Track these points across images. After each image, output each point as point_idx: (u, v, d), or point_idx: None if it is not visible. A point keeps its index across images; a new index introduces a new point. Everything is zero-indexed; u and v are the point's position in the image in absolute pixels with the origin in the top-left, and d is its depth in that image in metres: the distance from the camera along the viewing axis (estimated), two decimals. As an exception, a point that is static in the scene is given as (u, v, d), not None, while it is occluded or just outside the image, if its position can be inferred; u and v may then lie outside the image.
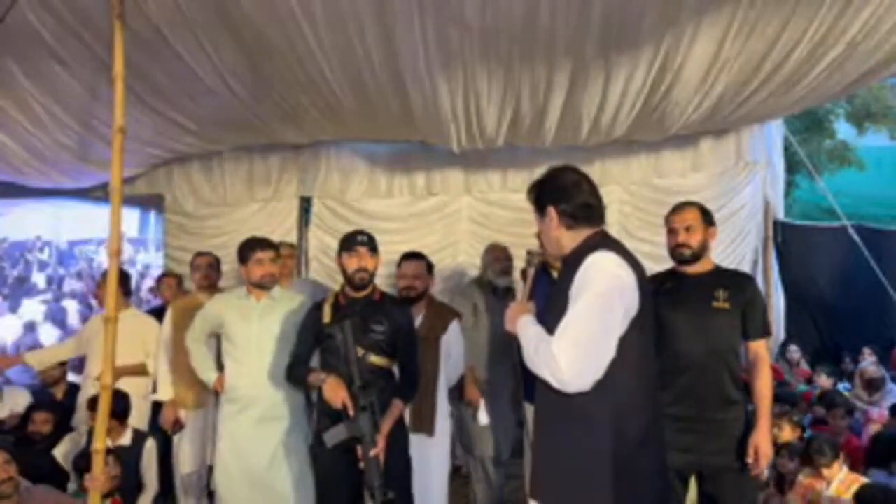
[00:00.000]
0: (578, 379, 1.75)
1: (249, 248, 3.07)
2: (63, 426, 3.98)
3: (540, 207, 2.01)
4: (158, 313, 4.34)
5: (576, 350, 1.74)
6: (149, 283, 12.29)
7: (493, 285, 3.90)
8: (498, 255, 3.99)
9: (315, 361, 2.87)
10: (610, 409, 1.81)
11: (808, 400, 4.77)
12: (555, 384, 1.78)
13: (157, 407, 3.82)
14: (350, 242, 2.80)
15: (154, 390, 4.01)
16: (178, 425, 3.61)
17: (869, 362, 5.42)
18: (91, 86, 3.51)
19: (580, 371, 1.75)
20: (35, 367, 4.25)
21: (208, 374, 3.17)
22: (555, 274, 3.06)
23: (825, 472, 3.18)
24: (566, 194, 1.96)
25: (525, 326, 1.92)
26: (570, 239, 1.96)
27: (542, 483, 1.95)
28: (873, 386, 4.90)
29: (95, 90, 3.54)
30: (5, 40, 3.06)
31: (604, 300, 1.77)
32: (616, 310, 1.79)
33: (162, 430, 3.70)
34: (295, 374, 2.83)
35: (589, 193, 1.97)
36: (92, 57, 3.23)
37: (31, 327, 9.12)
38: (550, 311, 1.92)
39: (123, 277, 3.94)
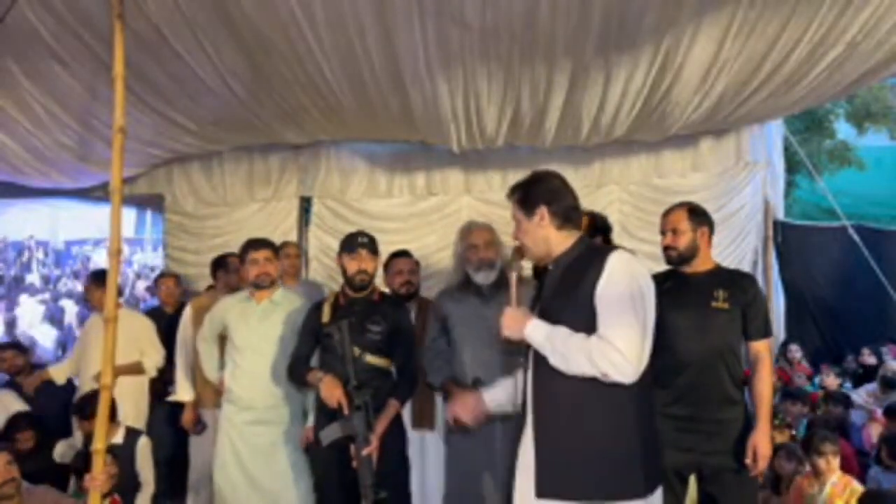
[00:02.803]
0: (640, 367, 1.82)
1: (244, 248, 3.13)
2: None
3: (529, 207, 2.02)
4: (155, 313, 4.34)
5: (637, 339, 1.81)
6: (145, 283, 12.32)
7: (474, 284, 2.92)
8: (474, 242, 2.92)
9: (315, 361, 2.89)
10: (629, 397, 1.87)
11: (812, 401, 4.74)
12: (616, 378, 1.80)
13: (172, 406, 3.83)
14: (351, 244, 2.81)
15: (154, 389, 4.01)
16: (201, 425, 3.63)
17: (893, 361, 5.41)
18: (91, 86, 3.51)
19: (641, 359, 1.82)
20: (58, 382, 4.21)
21: (213, 374, 3.28)
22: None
23: (824, 465, 3.16)
24: (557, 195, 2.02)
25: (541, 329, 1.88)
26: (558, 239, 2.00)
27: (565, 477, 1.88)
28: (890, 385, 4.86)
29: (95, 90, 3.54)
30: (5, 40, 3.05)
31: (642, 292, 1.86)
32: (650, 300, 1.88)
33: (177, 429, 3.72)
34: (295, 373, 2.87)
35: (574, 198, 2.04)
36: (92, 57, 3.23)
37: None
38: (560, 310, 1.91)
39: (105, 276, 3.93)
